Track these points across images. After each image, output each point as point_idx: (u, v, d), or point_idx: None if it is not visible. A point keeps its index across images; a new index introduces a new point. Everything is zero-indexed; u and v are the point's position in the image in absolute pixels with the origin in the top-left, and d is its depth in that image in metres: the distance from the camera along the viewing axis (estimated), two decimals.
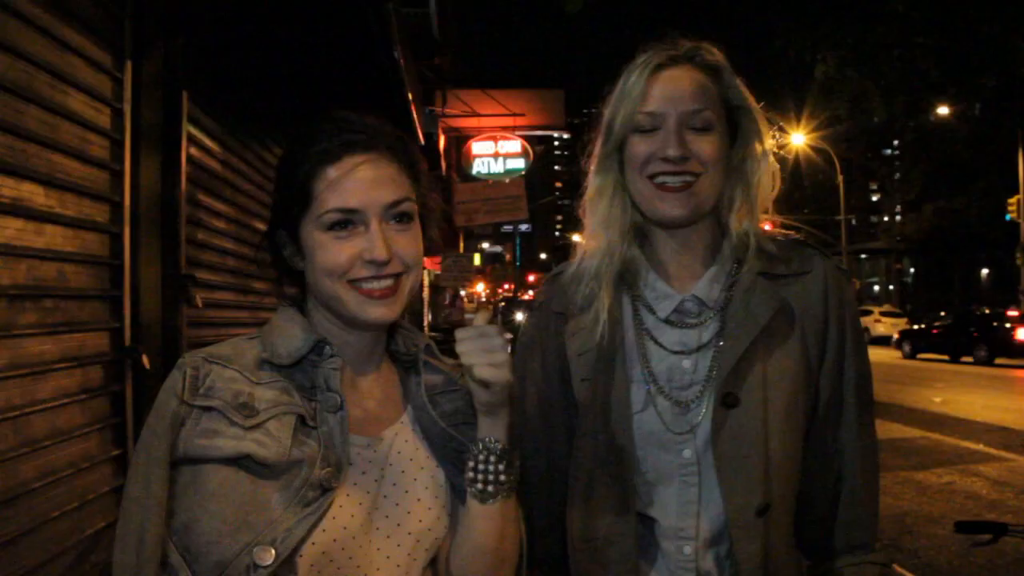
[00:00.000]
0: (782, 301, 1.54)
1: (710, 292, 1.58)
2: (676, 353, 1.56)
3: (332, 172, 1.28)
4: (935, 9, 12.38)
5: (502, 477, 1.29)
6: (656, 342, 1.58)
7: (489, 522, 1.31)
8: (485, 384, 1.24)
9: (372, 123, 1.35)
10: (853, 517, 1.57)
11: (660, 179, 1.52)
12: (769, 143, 1.60)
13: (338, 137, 1.30)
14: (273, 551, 1.16)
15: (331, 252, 1.28)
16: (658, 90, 1.53)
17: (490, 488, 1.29)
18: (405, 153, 1.37)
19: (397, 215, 1.32)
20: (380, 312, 1.31)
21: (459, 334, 1.26)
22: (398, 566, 1.29)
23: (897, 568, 5.77)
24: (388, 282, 1.31)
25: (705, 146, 1.52)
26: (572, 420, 1.61)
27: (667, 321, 1.59)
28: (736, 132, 1.60)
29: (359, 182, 1.29)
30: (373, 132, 1.33)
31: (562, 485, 1.61)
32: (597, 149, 1.64)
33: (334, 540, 1.23)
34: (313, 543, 1.21)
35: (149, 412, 1.26)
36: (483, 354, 1.24)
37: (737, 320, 1.53)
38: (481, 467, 1.29)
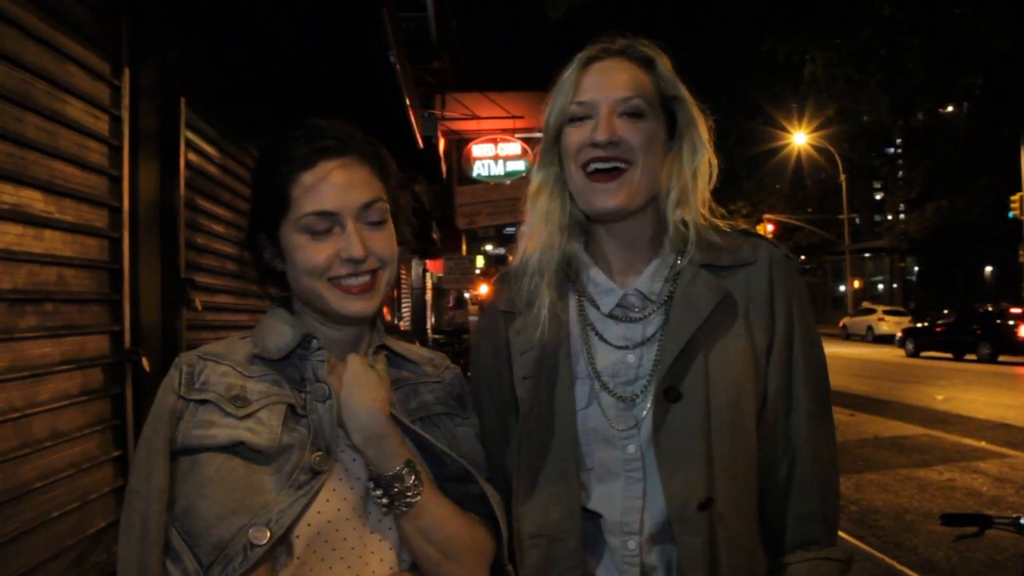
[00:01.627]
0: (724, 292, 1.54)
1: (652, 285, 1.59)
2: (620, 348, 1.57)
3: (308, 177, 1.36)
4: (920, 10, 12.37)
5: (384, 500, 1.34)
6: (601, 337, 1.59)
7: (409, 532, 1.36)
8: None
9: (343, 129, 1.42)
10: (805, 511, 1.54)
11: (592, 167, 1.53)
12: (705, 135, 1.60)
13: (311, 144, 1.38)
14: (268, 531, 1.23)
15: (310, 252, 1.36)
16: (589, 81, 1.56)
17: (383, 509, 1.35)
18: (376, 157, 1.44)
19: (371, 215, 1.39)
20: (359, 306, 1.39)
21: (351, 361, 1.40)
22: (390, 549, 1.36)
23: (897, 564, 5.80)
24: (365, 278, 1.39)
25: (636, 132, 1.53)
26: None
27: (611, 316, 1.60)
28: (674, 125, 1.60)
29: (333, 186, 1.36)
30: (344, 138, 1.40)
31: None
32: (540, 145, 1.67)
33: (329, 521, 1.30)
34: (309, 524, 1.28)
35: (150, 411, 1.34)
36: (366, 388, 1.36)
37: (678, 313, 1.53)
38: (371, 490, 1.36)
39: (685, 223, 1.58)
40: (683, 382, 1.49)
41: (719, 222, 1.64)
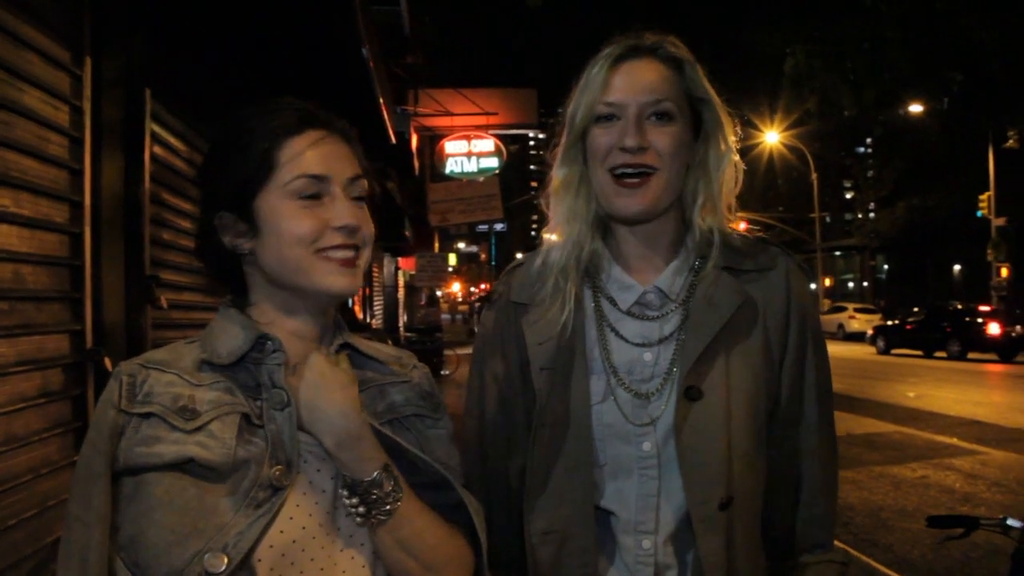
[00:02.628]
0: (746, 295, 1.54)
1: (672, 284, 1.58)
2: (637, 345, 1.56)
3: (296, 143, 1.27)
4: (903, 3, 12.50)
5: (360, 509, 1.23)
6: (618, 334, 1.58)
7: (384, 544, 1.26)
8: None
9: (321, 111, 1.34)
10: (812, 516, 1.58)
11: (619, 171, 1.52)
12: (732, 138, 1.59)
13: (296, 113, 1.29)
14: (225, 557, 1.11)
15: (299, 220, 1.25)
16: (619, 81, 1.53)
17: (358, 519, 1.24)
18: (355, 139, 1.36)
19: (356, 189, 1.31)
20: (345, 282, 1.28)
21: (312, 359, 1.26)
22: (363, 566, 1.26)
23: (872, 563, 5.80)
24: (351, 252, 1.29)
25: (664, 137, 1.51)
26: (532, 413, 1.59)
27: (629, 313, 1.58)
28: (699, 126, 1.59)
29: (323, 153, 1.28)
30: (327, 115, 1.33)
31: (519, 480, 1.60)
32: (562, 141, 1.63)
33: (293, 541, 1.19)
34: (271, 546, 1.16)
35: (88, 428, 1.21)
36: (333, 391, 1.23)
37: (700, 313, 1.53)
38: (345, 499, 1.24)
39: (710, 228, 1.59)
40: (704, 381, 1.49)
41: (737, 227, 1.65)
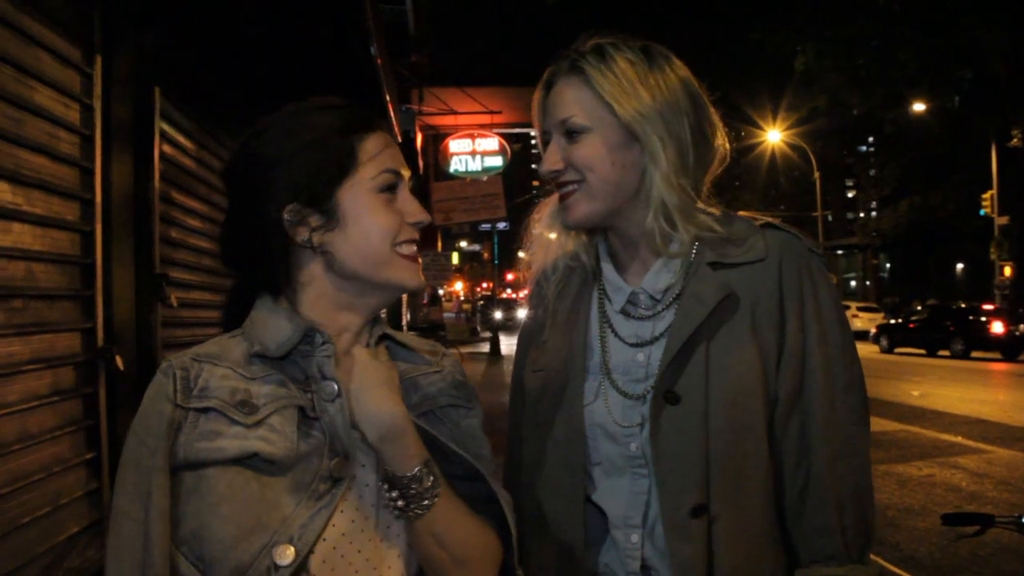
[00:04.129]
0: (728, 290, 1.46)
1: (656, 284, 1.55)
2: (632, 346, 1.55)
3: (374, 139, 1.30)
4: (914, 2, 12.50)
5: (399, 503, 1.23)
6: (616, 334, 1.58)
7: (419, 536, 1.25)
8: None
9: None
10: (821, 525, 1.44)
11: (559, 191, 1.57)
12: (656, 133, 1.49)
13: (358, 112, 1.33)
14: (292, 549, 1.13)
15: (385, 214, 1.28)
16: (540, 111, 1.59)
17: (395, 512, 1.24)
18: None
19: (411, 187, 1.36)
20: (417, 278, 1.33)
21: (358, 354, 1.26)
22: (399, 556, 1.27)
23: (880, 561, 5.79)
24: (415, 247, 1.33)
25: (578, 150, 1.52)
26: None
27: (623, 313, 1.59)
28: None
29: (395, 150, 1.33)
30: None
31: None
32: None
33: (343, 534, 1.21)
34: (324, 539, 1.18)
35: (127, 416, 1.22)
36: (377, 388, 1.23)
37: (682, 313, 1.49)
38: (385, 492, 1.24)
39: (672, 223, 1.51)
40: (681, 383, 1.45)
41: (715, 210, 1.56)
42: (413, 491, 1.22)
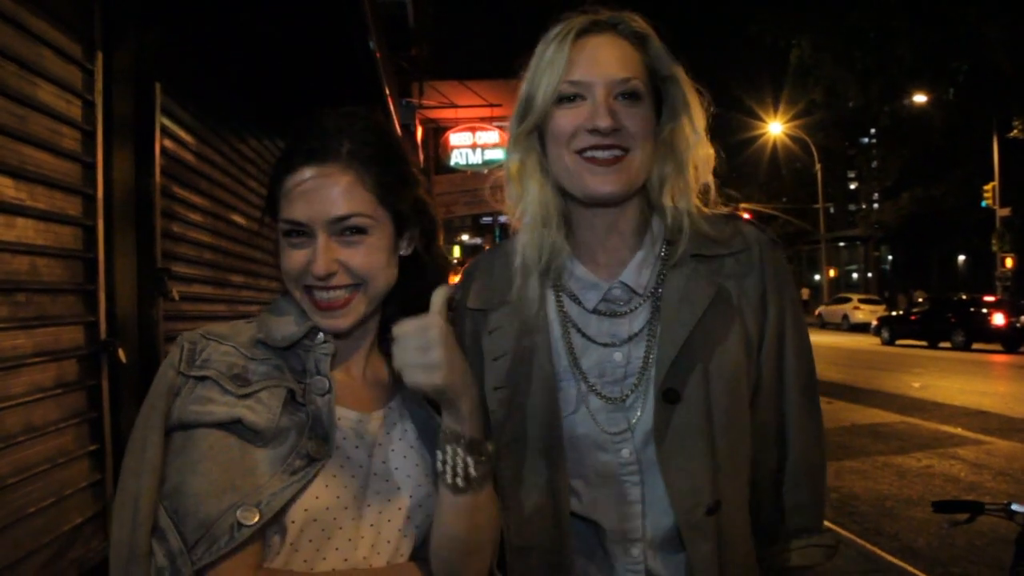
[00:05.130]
0: (718, 286, 1.47)
1: (639, 278, 1.50)
2: (606, 346, 1.48)
3: (288, 182, 1.33)
4: None
5: (471, 470, 1.26)
6: (583, 335, 1.49)
7: (459, 513, 1.29)
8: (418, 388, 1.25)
9: (335, 126, 1.35)
10: (797, 502, 1.53)
11: (589, 153, 1.42)
12: (700, 117, 1.49)
13: (300, 144, 1.34)
14: (258, 513, 1.19)
15: (288, 258, 1.35)
16: (582, 59, 1.42)
17: (459, 482, 1.27)
18: (370, 160, 1.35)
19: (346, 229, 1.32)
20: (330, 323, 1.35)
21: (397, 330, 1.25)
22: (388, 541, 1.32)
23: (878, 551, 5.82)
24: (338, 293, 1.34)
25: (634, 118, 1.42)
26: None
27: (595, 311, 1.50)
28: (662, 105, 1.49)
29: (306, 195, 1.31)
30: (332, 139, 1.33)
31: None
32: (514, 127, 1.52)
33: (326, 508, 1.27)
34: (305, 509, 1.24)
35: (130, 408, 1.30)
36: (414, 354, 1.23)
37: (672, 309, 1.45)
38: (449, 459, 1.27)
39: (680, 212, 1.49)
40: (682, 382, 1.42)
41: (703, 208, 1.54)
42: (484, 458, 1.28)
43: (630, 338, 1.47)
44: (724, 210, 1.57)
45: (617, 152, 1.42)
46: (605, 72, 1.41)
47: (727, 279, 1.48)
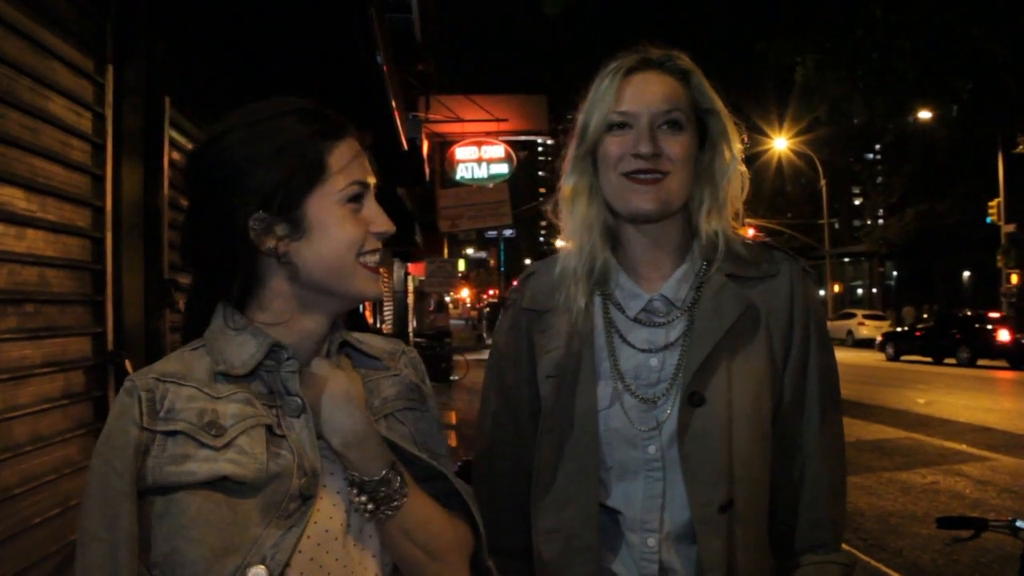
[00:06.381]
0: (748, 302, 1.59)
1: (678, 292, 1.62)
2: (644, 351, 1.61)
3: (343, 148, 1.27)
4: (912, 13, 12.52)
5: (369, 506, 1.24)
6: (625, 340, 1.62)
7: (389, 534, 1.28)
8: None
9: None
10: (815, 517, 1.60)
11: (633, 175, 1.57)
12: (738, 146, 1.65)
13: (330, 118, 1.29)
14: (264, 569, 1.13)
15: (351, 225, 1.26)
16: (630, 92, 1.59)
17: (366, 515, 1.26)
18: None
19: (377, 197, 1.34)
20: (377, 288, 1.31)
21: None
22: (373, 556, 1.29)
23: (882, 567, 5.81)
24: (378, 257, 1.31)
25: (675, 145, 1.57)
26: (539, 416, 1.65)
27: (636, 320, 1.63)
28: (705, 135, 1.64)
29: (364, 160, 1.31)
30: (346, 119, 1.34)
31: (528, 481, 1.65)
32: (571, 151, 1.68)
33: (319, 544, 1.22)
34: (300, 551, 1.19)
35: (98, 442, 1.18)
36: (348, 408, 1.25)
37: (704, 321, 1.58)
38: (354, 497, 1.26)
39: (716, 233, 1.63)
40: (707, 387, 1.53)
41: (744, 232, 1.70)
42: (382, 493, 1.24)
43: (666, 346, 1.60)
44: (760, 239, 1.76)
45: (657, 175, 1.56)
46: (649, 104, 1.57)
47: (757, 299, 1.60)
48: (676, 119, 1.57)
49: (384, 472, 1.25)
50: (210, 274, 1.29)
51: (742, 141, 1.66)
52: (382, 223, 1.30)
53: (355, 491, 1.25)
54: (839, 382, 1.67)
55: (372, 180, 1.31)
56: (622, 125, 1.58)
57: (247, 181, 1.23)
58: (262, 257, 1.25)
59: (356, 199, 1.27)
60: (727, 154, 1.63)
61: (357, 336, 1.43)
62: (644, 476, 1.56)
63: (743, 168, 1.66)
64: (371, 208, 1.30)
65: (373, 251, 1.29)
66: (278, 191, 1.23)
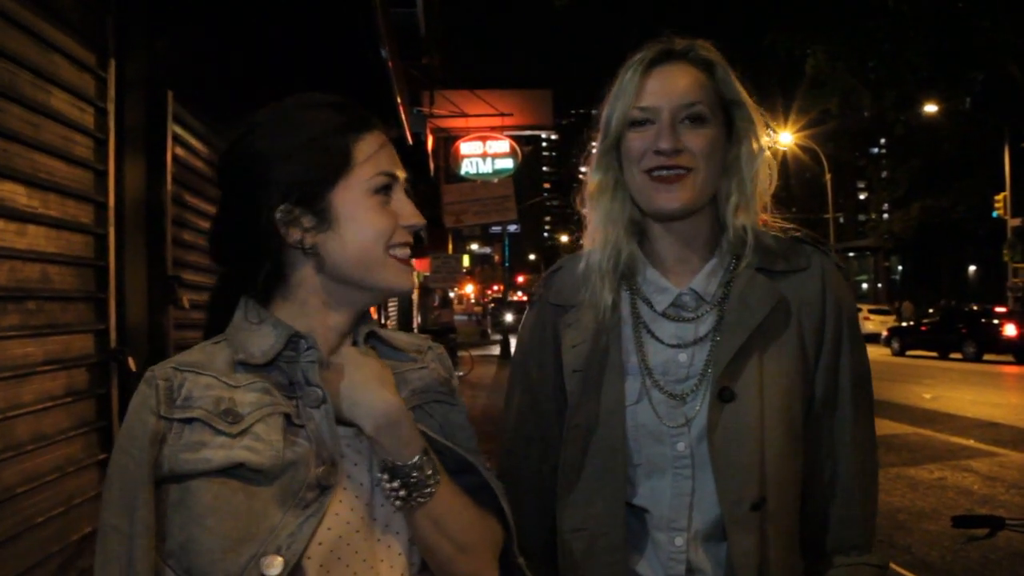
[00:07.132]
0: (779, 297, 1.55)
1: (707, 286, 1.59)
2: (672, 347, 1.57)
3: (370, 140, 1.28)
4: (924, 3, 12.49)
5: (401, 492, 1.22)
6: (653, 335, 1.59)
7: (418, 525, 1.26)
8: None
9: None
10: (847, 516, 1.57)
11: (656, 172, 1.54)
12: (764, 138, 1.62)
13: (356, 112, 1.30)
14: (280, 559, 1.12)
15: (380, 216, 1.26)
16: (652, 85, 1.55)
17: (397, 503, 1.23)
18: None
19: (406, 189, 1.33)
20: (408, 280, 1.31)
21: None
22: (400, 554, 1.27)
23: (891, 564, 5.77)
24: (409, 250, 1.31)
25: (698, 139, 1.53)
26: (564, 413, 1.62)
27: (664, 315, 1.60)
28: (731, 128, 1.61)
29: (391, 152, 1.30)
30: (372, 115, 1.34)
31: (553, 479, 1.62)
32: (597, 146, 1.66)
33: (340, 537, 1.20)
34: (320, 543, 1.18)
35: (118, 435, 1.19)
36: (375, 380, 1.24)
37: (734, 315, 1.54)
38: (386, 483, 1.24)
39: (744, 227, 1.60)
40: (737, 383, 1.50)
41: (772, 226, 1.67)
42: (415, 479, 1.22)
43: (695, 341, 1.56)
44: (793, 233, 1.68)
45: (680, 171, 1.53)
46: (671, 98, 1.54)
47: (788, 293, 1.56)
48: (699, 112, 1.53)
49: (417, 457, 1.23)
50: (238, 270, 1.31)
51: (768, 133, 1.64)
52: (412, 215, 1.30)
53: (387, 477, 1.23)
54: (871, 380, 1.63)
55: (401, 174, 1.31)
56: (643, 121, 1.55)
57: (273, 174, 1.24)
58: (289, 249, 1.26)
59: (384, 191, 1.28)
60: (754, 146, 1.60)
61: (383, 329, 1.43)
62: (672, 473, 1.52)
63: (771, 159, 1.63)
64: (400, 200, 1.30)
65: (403, 244, 1.29)
66: (303, 182, 1.24)
